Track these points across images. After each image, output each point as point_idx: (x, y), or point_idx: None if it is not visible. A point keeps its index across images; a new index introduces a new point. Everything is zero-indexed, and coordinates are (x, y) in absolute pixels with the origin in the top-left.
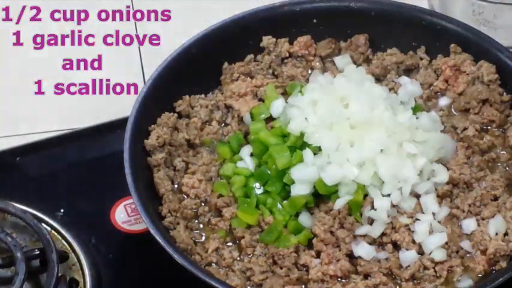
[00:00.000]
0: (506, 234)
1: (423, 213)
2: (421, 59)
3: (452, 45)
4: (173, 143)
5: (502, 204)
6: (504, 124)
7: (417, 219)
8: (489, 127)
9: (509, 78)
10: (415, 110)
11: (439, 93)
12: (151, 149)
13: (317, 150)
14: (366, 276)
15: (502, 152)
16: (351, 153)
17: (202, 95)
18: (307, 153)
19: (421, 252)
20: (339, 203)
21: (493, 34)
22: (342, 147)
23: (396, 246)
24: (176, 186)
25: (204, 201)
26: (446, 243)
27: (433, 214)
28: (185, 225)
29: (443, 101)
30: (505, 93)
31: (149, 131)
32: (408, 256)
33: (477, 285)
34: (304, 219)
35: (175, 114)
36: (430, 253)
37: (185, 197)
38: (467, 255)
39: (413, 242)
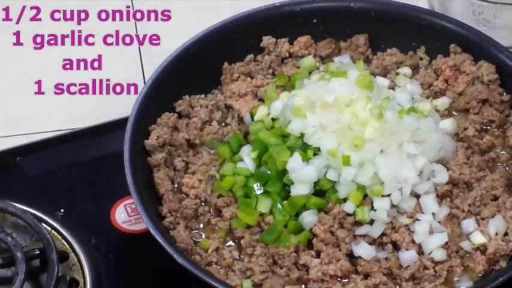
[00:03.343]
0: (506, 234)
1: (423, 213)
2: (421, 59)
3: (452, 45)
4: (173, 143)
5: (502, 204)
6: (504, 124)
7: (417, 220)
8: (489, 127)
9: (509, 78)
10: (415, 110)
11: (439, 93)
12: (151, 149)
13: (317, 151)
14: (366, 276)
15: (501, 152)
16: (351, 154)
17: (202, 95)
18: (296, 158)
19: (420, 252)
20: (349, 207)
21: (493, 34)
22: (341, 148)
23: (396, 246)
24: (176, 186)
25: (204, 201)
26: (446, 243)
27: (433, 214)
28: (185, 225)
29: (443, 101)
30: (504, 93)
31: (149, 131)
32: (408, 256)
33: (477, 285)
34: (312, 218)
35: (175, 114)
36: (430, 253)
37: (185, 197)
38: (467, 255)
39: (413, 242)
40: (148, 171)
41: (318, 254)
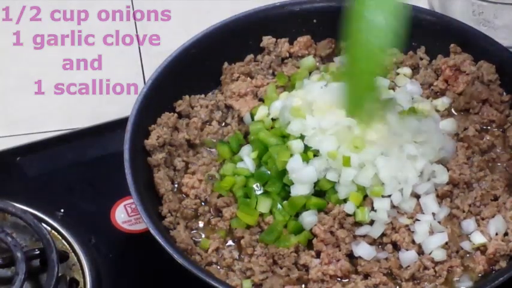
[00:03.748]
0: (506, 234)
1: (423, 213)
2: (421, 59)
3: (452, 45)
4: (173, 143)
5: (502, 204)
6: (504, 124)
7: (417, 220)
8: (489, 127)
9: (509, 78)
10: (415, 110)
11: (439, 93)
12: (151, 149)
13: (317, 152)
14: (366, 276)
15: (501, 152)
16: (351, 155)
17: (202, 95)
18: (296, 158)
19: (420, 252)
20: (349, 208)
21: (493, 34)
22: (341, 150)
23: (396, 247)
24: (176, 186)
25: (204, 201)
26: (447, 243)
27: (433, 214)
28: (185, 225)
29: (443, 101)
30: (504, 93)
31: (149, 131)
32: (408, 256)
33: (477, 285)
34: (312, 219)
35: (175, 114)
36: (430, 253)
37: (185, 197)
38: (467, 255)
39: (413, 242)
40: (148, 171)
41: (318, 254)
